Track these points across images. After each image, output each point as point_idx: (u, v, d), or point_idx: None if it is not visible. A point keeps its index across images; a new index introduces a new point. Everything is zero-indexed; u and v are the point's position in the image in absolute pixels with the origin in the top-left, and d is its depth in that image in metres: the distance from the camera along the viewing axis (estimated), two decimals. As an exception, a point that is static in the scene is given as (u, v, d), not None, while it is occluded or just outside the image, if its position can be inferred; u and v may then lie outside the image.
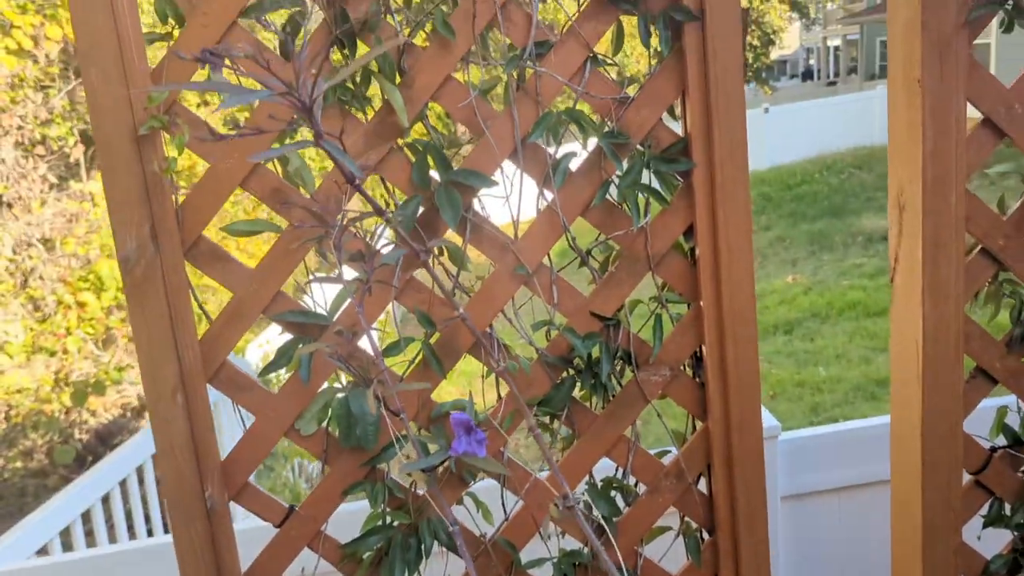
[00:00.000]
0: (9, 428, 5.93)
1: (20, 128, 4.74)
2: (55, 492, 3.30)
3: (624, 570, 1.42)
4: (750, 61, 34.54)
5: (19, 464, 6.09)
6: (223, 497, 1.34)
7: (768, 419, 2.13)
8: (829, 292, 8.57)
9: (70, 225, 5.99)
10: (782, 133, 14.81)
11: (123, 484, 3.66)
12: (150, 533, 3.77)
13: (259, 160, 1.13)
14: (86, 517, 3.36)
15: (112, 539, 3.39)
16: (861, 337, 7.45)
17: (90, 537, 3.31)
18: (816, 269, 9.68)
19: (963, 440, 1.39)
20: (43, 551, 2.88)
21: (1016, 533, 1.46)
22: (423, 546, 1.35)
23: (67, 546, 3.06)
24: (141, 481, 3.78)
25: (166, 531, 3.86)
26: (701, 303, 1.35)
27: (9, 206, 4.88)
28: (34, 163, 4.82)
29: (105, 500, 3.48)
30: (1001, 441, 1.46)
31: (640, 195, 1.32)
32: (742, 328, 1.33)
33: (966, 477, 1.45)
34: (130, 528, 3.66)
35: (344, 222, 1.02)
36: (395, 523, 1.37)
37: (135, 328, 1.26)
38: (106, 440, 6.30)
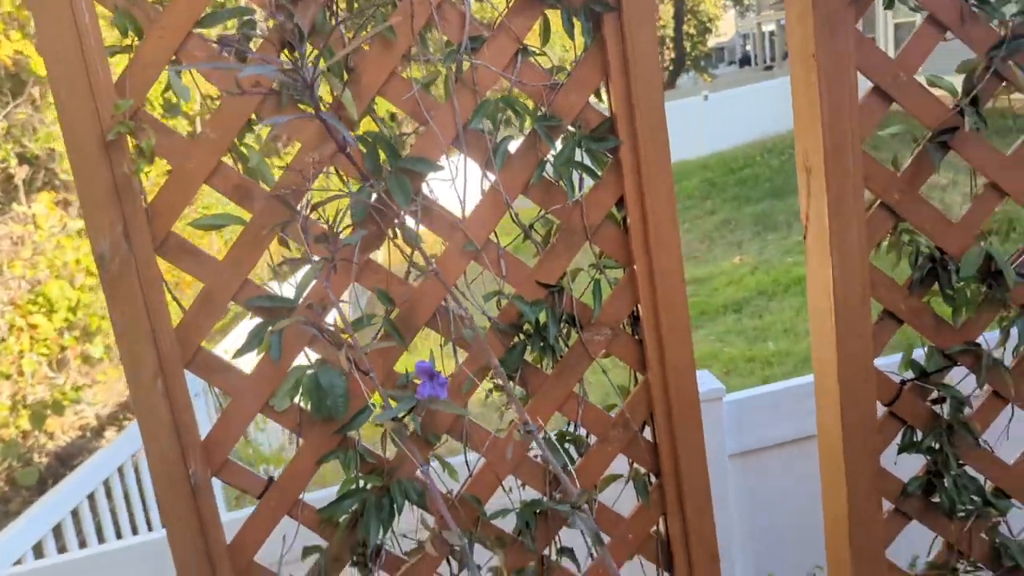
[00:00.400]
0: (-34, 456, 5.87)
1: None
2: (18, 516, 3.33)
3: (585, 517, 1.55)
4: (688, 50, 35.05)
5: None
6: (206, 473, 1.45)
7: (712, 382, 2.29)
8: (775, 270, 8.86)
9: (16, 248, 5.95)
10: (722, 119, 15.14)
11: (91, 497, 3.71)
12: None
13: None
14: (57, 532, 3.42)
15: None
16: (807, 311, 7.71)
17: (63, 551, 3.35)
18: (761, 249, 9.97)
19: (875, 376, 1.55)
20: (17, 563, 2.94)
21: (928, 457, 1.63)
22: (395, 505, 1.46)
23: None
24: (108, 495, 3.83)
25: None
26: (634, 267, 1.49)
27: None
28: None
29: (75, 513, 3.53)
30: (911, 376, 1.62)
31: (574, 172, 1.45)
32: (672, 288, 1.48)
33: (881, 410, 1.61)
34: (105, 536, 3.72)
35: (309, 207, 1.13)
36: (368, 486, 1.48)
37: (114, 320, 1.36)
38: (66, 462, 6.26)
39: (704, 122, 14.99)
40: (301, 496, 1.50)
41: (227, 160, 1.40)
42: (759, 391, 2.38)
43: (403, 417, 1.32)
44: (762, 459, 2.38)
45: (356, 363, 1.28)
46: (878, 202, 1.52)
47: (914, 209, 1.51)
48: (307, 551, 1.52)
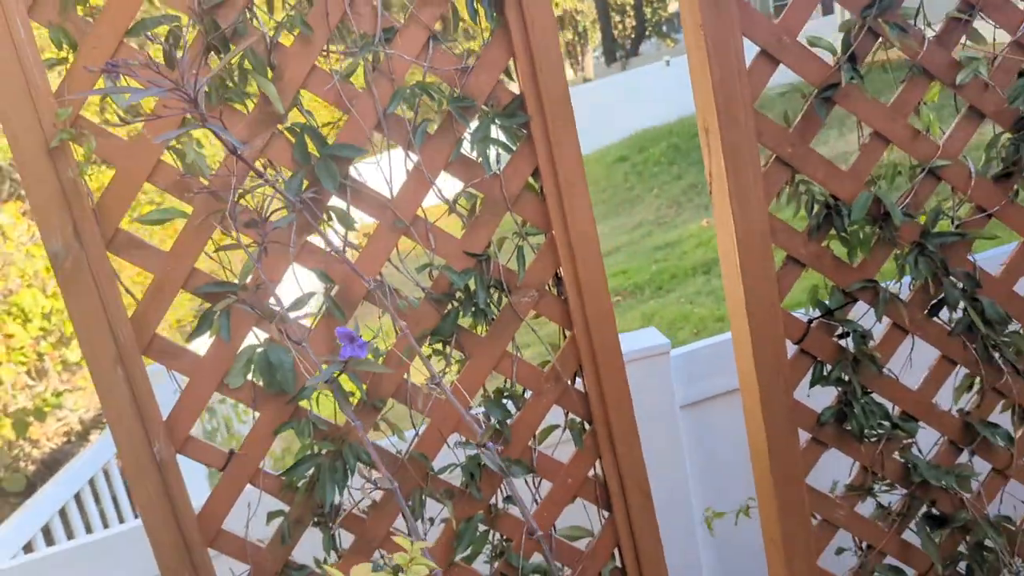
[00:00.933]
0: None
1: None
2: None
3: (524, 465, 1.69)
4: (648, 16, 35.05)
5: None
6: (170, 451, 1.56)
7: (658, 338, 2.42)
8: (739, 230, 9.02)
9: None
10: (685, 84, 15.21)
11: (78, 497, 3.82)
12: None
13: (160, 141, 1.35)
14: (47, 533, 3.53)
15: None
16: (770, 267, 7.88)
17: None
18: (726, 210, 10.12)
19: (782, 316, 1.69)
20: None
21: (838, 388, 1.77)
22: (347, 467, 1.59)
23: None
24: (95, 495, 3.95)
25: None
26: (553, 232, 1.61)
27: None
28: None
29: (62, 513, 3.64)
30: (817, 315, 1.76)
31: (491, 148, 1.57)
32: (587, 248, 1.61)
33: (793, 348, 1.75)
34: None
35: (235, 196, 1.25)
36: (323, 451, 1.61)
37: (72, 315, 1.47)
38: (53, 468, 6.34)
39: (667, 88, 15.09)
40: (261, 465, 1.62)
41: (167, 158, 1.51)
42: (703, 344, 2.51)
43: (335, 380, 1.44)
44: (711, 407, 2.51)
45: (292, 337, 1.39)
46: (773, 156, 1.65)
47: (807, 160, 1.65)
48: (271, 516, 1.64)
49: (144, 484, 1.55)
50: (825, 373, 1.75)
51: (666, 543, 2.14)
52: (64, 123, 1.40)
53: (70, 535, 3.64)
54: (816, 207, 1.69)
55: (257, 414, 1.60)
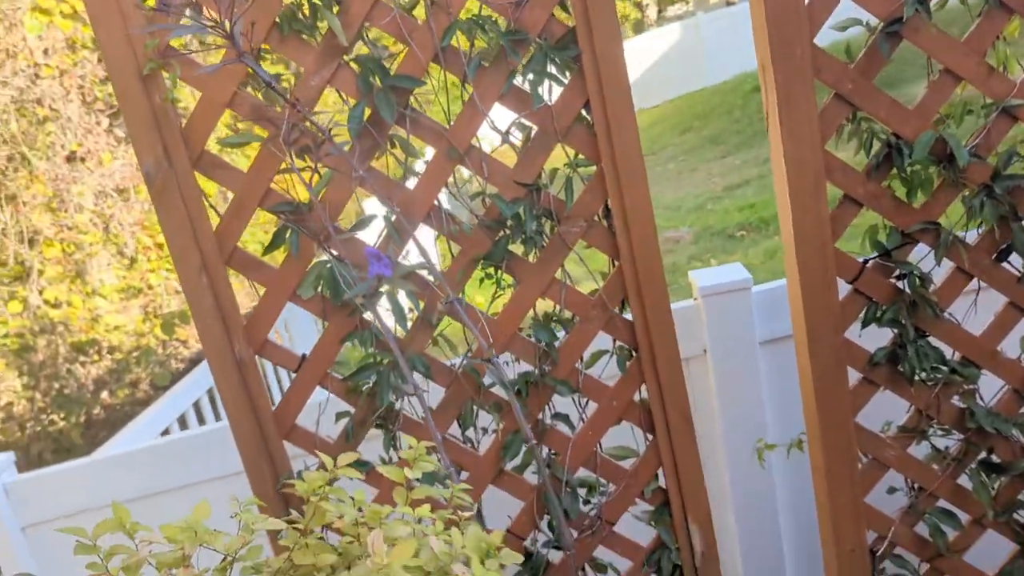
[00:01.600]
0: (115, 364, 6.63)
1: (81, 87, 5.21)
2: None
3: (569, 385, 1.79)
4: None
5: (127, 394, 6.81)
6: (249, 352, 1.75)
7: (741, 273, 2.42)
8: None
9: (139, 173, 6.52)
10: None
11: (211, 391, 4.23)
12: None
13: (203, 72, 1.49)
14: (181, 421, 3.95)
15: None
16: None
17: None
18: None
19: (834, 255, 1.68)
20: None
21: (893, 330, 1.76)
22: (403, 375, 1.73)
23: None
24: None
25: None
26: (602, 164, 1.66)
27: (82, 160, 5.40)
28: (96, 118, 5.30)
29: (196, 405, 4.06)
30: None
31: (543, 80, 1.63)
32: (635, 181, 1.65)
33: (847, 288, 1.75)
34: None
35: (288, 124, 1.37)
36: (384, 361, 1.76)
37: (163, 227, 1.66)
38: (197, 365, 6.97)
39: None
40: (329, 370, 1.79)
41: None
42: (781, 283, 2.50)
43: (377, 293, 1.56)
44: (791, 345, 2.51)
45: (344, 258, 1.53)
46: (833, 93, 1.62)
47: (868, 97, 1.61)
48: (339, 416, 1.82)
49: (227, 380, 1.75)
50: (879, 314, 1.74)
51: (740, 471, 2.21)
52: (152, 52, 1.55)
53: (202, 424, 4.05)
54: (877, 145, 1.65)
55: (325, 323, 1.76)
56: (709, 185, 9.58)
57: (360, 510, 1.13)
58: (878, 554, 1.89)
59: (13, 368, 5.61)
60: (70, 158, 5.30)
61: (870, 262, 1.73)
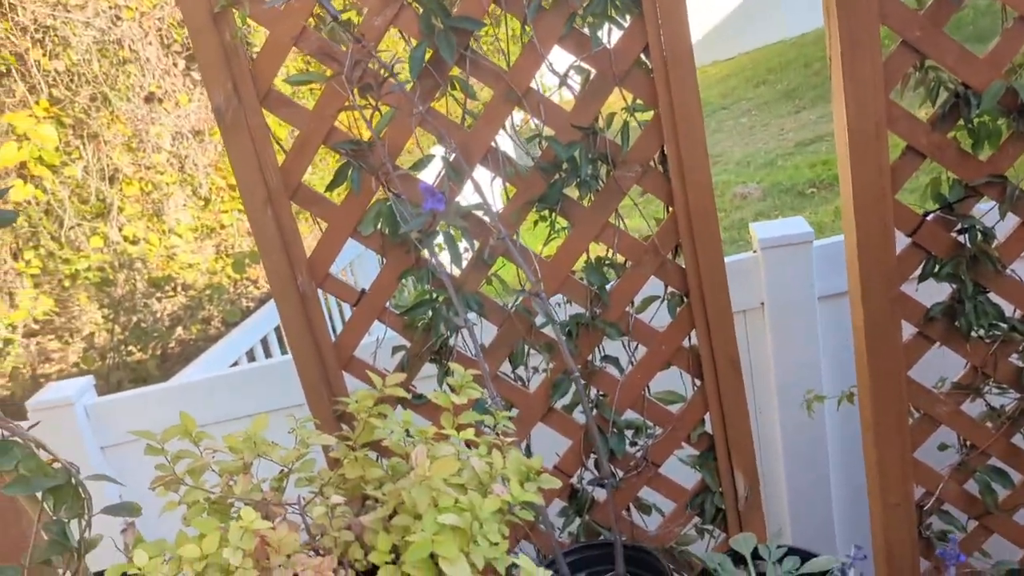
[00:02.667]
0: (189, 300, 6.89)
1: (159, 29, 5.35)
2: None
3: (618, 328, 1.81)
4: None
5: (199, 330, 7.09)
6: (312, 285, 1.82)
7: (803, 227, 2.40)
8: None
9: (213, 116, 6.69)
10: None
11: (278, 328, 4.39)
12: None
13: (271, 5, 1.54)
14: (249, 355, 4.12)
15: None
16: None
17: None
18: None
19: (893, 206, 1.66)
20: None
21: (952, 285, 1.73)
22: (458, 312, 1.78)
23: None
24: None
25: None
26: (659, 110, 1.66)
27: (160, 101, 5.57)
28: (174, 60, 5.44)
29: (264, 342, 4.21)
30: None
31: (604, 23, 1.63)
32: (691, 128, 1.65)
33: (905, 241, 1.73)
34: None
35: (351, 62, 1.41)
36: (439, 298, 1.81)
37: (232, 162, 1.73)
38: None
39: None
40: (387, 305, 1.85)
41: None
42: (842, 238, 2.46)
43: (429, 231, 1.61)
44: (847, 302, 2.49)
45: (402, 196, 1.57)
46: (900, 40, 1.59)
47: (936, 45, 1.57)
48: (395, 349, 1.89)
49: (290, 311, 1.83)
50: (937, 269, 1.72)
51: (792, 423, 2.21)
52: (225, -8, 1.61)
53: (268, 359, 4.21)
54: (943, 96, 1.61)
55: (384, 260, 1.82)
56: (781, 141, 9.35)
57: (408, 432, 1.19)
58: (925, 509, 1.89)
59: (95, 301, 5.88)
60: (148, 99, 5.47)
61: (931, 215, 1.70)
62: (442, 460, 1.00)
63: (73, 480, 1.13)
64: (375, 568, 1.01)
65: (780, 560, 1.35)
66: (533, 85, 1.69)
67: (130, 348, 5.89)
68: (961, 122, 1.63)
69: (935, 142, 1.64)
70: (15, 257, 5.27)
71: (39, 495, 1.11)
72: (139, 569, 0.99)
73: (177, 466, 1.13)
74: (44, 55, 4.90)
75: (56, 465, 1.13)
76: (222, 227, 6.36)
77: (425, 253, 1.79)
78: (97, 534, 1.17)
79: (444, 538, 0.94)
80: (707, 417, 1.89)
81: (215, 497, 1.15)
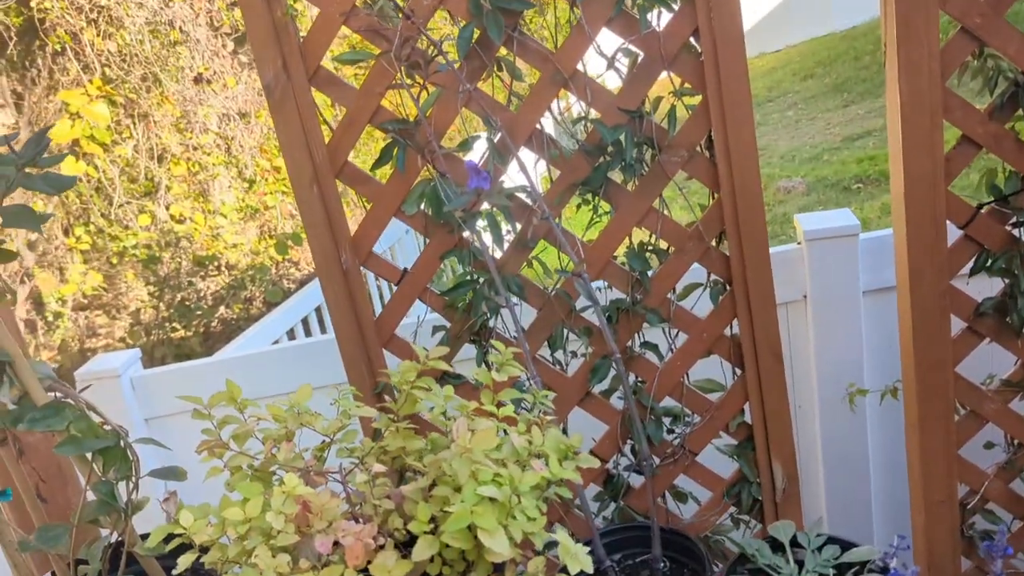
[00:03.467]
0: (232, 280, 7.00)
1: (209, 11, 5.42)
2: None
3: (659, 314, 1.80)
4: None
5: (241, 309, 7.20)
6: (355, 263, 1.84)
7: (849, 219, 2.36)
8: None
9: (260, 99, 6.77)
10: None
11: (319, 309, 4.44)
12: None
13: None
14: (290, 334, 4.17)
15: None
16: None
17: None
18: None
19: (945, 197, 1.63)
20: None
21: (1005, 280, 1.70)
22: (499, 293, 1.79)
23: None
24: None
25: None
26: (707, 94, 1.65)
27: (208, 83, 5.65)
28: (223, 42, 5.52)
29: (304, 322, 4.27)
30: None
31: (654, 6, 1.61)
32: (740, 114, 1.63)
33: (957, 234, 1.69)
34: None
35: (400, 40, 1.41)
36: (480, 279, 1.81)
37: (280, 138, 1.75)
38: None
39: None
40: (428, 285, 1.86)
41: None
42: (891, 231, 2.42)
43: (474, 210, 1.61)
44: (894, 297, 2.45)
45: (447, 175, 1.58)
46: (958, 27, 1.55)
47: (997, 32, 1.53)
48: (435, 329, 1.90)
49: (333, 287, 1.85)
50: (989, 262, 1.68)
51: (832, 417, 2.19)
52: (277, -30, 1.62)
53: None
54: (1002, 85, 1.57)
55: (427, 241, 1.83)
56: (828, 135, 9.20)
57: (445, 413, 1.20)
58: (968, 507, 1.85)
59: (141, 278, 6.00)
60: (197, 80, 5.55)
61: (985, 207, 1.66)
62: (483, 433, 1.01)
63: (122, 443, 1.15)
64: (414, 538, 1.02)
65: (819, 549, 1.34)
66: (579, 68, 1.68)
67: (174, 325, 6.00)
68: (1020, 112, 1.59)
69: (992, 132, 1.60)
70: (66, 233, 5.40)
71: (89, 456, 1.14)
72: (184, 530, 1.02)
73: (222, 432, 1.15)
74: (98, 35, 5.00)
75: (106, 428, 1.16)
76: (266, 208, 6.44)
77: (467, 234, 1.79)
78: (144, 496, 1.19)
79: (483, 510, 0.95)
80: (746, 407, 1.88)
81: (258, 464, 1.17)
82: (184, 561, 1.03)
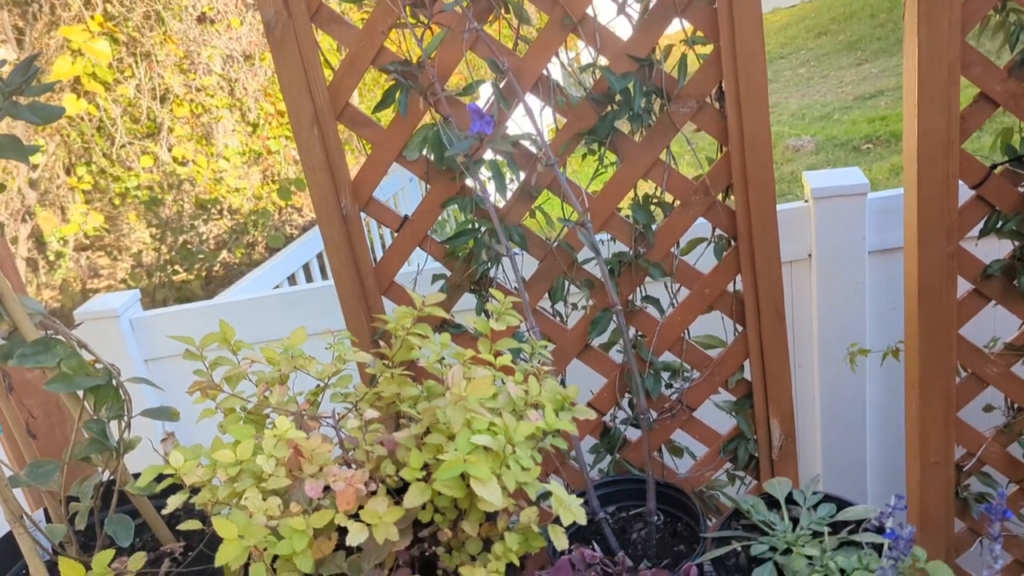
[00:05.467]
0: (235, 224, 6.97)
1: (213, -52, 5.31)
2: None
3: (662, 269, 1.78)
4: None
5: (243, 254, 7.18)
6: (355, 208, 1.81)
7: (859, 178, 2.32)
8: None
9: (264, 41, 6.66)
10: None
11: (320, 255, 4.42)
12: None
13: None
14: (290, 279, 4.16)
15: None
16: None
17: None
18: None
19: (959, 155, 1.59)
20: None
21: (1014, 242, 1.67)
22: (500, 242, 1.76)
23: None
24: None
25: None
26: (720, 44, 1.60)
27: (212, 22, 5.55)
28: (227, -20, 5.41)
29: (306, 267, 4.25)
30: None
31: (668, -51, 1.56)
32: (753, 66, 1.58)
33: (969, 194, 1.66)
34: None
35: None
36: (482, 228, 1.79)
37: (280, 77, 1.71)
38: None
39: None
40: (429, 232, 1.84)
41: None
42: (900, 191, 2.38)
43: (474, 157, 1.58)
44: (899, 258, 2.42)
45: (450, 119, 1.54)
46: (982, -22, 1.50)
47: (1021, -14, 1.48)
48: (435, 277, 1.88)
49: (332, 232, 1.82)
50: (1000, 224, 1.65)
51: (832, 377, 2.18)
52: (279, -99, 1.57)
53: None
54: (1019, 40, 1.53)
55: (428, 187, 1.80)
56: (839, 93, 9.07)
57: (442, 360, 1.18)
58: (964, 469, 1.85)
59: (143, 220, 5.97)
60: (201, 19, 5.45)
61: (998, 167, 1.63)
62: (478, 381, 1.00)
63: (114, 381, 1.14)
64: (406, 485, 1.01)
65: (815, 507, 1.33)
66: (589, 12, 1.63)
67: (176, 268, 5.99)
68: (1040, 70, 1.54)
69: (1010, 90, 1.56)
70: (67, 172, 5.35)
71: (80, 394, 1.13)
72: (175, 470, 1.01)
73: (215, 373, 1.14)
74: (99, -31, 4.90)
75: (98, 367, 1.15)
76: (269, 153, 6.38)
77: (469, 181, 1.76)
78: (136, 436, 1.18)
79: (476, 459, 0.94)
80: (746, 364, 1.86)
81: (251, 407, 1.16)
82: (174, 501, 1.02)
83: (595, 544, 1.47)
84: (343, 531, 0.98)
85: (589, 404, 1.90)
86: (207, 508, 1.00)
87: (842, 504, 1.33)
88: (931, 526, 1.85)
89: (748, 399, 1.88)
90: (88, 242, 5.74)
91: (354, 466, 1.06)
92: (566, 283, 1.83)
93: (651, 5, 1.63)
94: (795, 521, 1.33)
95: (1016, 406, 1.82)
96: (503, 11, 1.66)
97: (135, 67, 5.36)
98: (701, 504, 1.92)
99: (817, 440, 2.31)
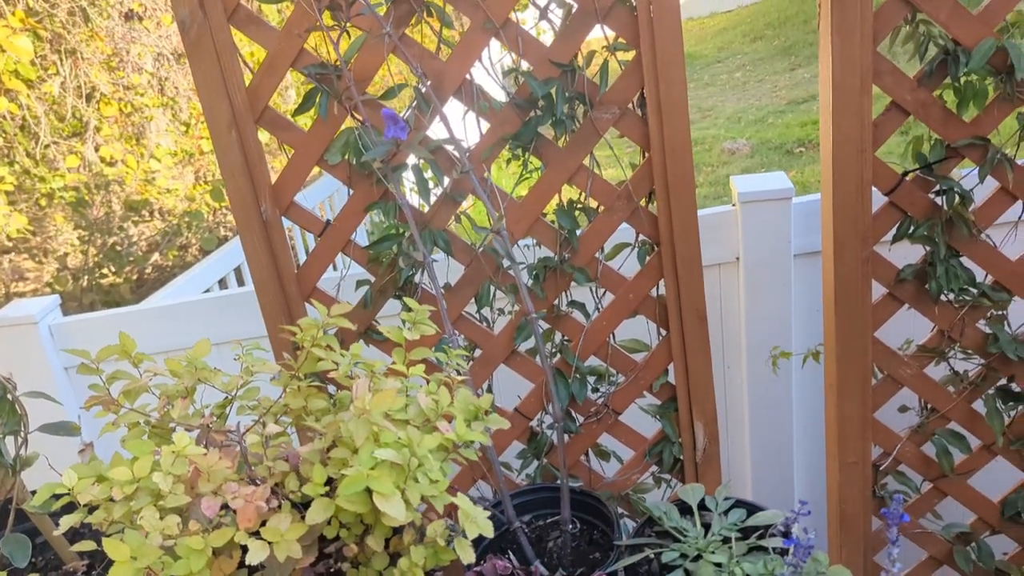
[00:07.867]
0: (166, 226, 6.80)
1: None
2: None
3: (586, 274, 1.78)
4: None
5: (176, 256, 7.01)
6: (275, 212, 1.78)
7: (784, 182, 2.36)
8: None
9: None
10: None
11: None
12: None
13: None
14: (221, 282, 4.07)
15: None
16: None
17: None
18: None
19: (871, 162, 1.63)
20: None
21: (925, 248, 1.71)
22: (423, 249, 1.74)
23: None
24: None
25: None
26: (640, 50, 1.61)
27: (140, 20, 5.41)
28: (156, -24, 5.27)
29: (237, 271, 4.16)
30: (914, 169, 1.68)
31: (588, -45, 1.56)
32: (673, 72, 1.59)
33: (882, 200, 1.70)
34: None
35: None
36: (405, 233, 1.77)
37: (196, 79, 1.66)
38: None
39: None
40: (352, 237, 1.81)
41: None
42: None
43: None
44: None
45: (370, 125, 1.52)
46: (892, -10, 1.53)
47: (929, -2, 1.52)
48: (359, 283, 1.85)
49: (251, 238, 1.78)
50: (912, 230, 1.69)
51: (759, 379, 2.20)
52: (192, -102, 1.52)
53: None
54: (932, 51, 1.57)
55: (351, 190, 1.77)
56: (774, 98, 9.26)
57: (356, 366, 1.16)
58: (881, 468, 1.89)
59: (71, 221, 5.78)
60: (128, 16, 5.31)
61: (910, 174, 1.67)
62: (383, 394, 0.98)
63: (9, 396, 1.09)
64: (311, 501, 0.99)
65: (726, 512, 1.35)
66: (512, 17, 1.63)
67: (104, 271, 5.82)
68: (948, 80, 1.59)
69: (920, 99, 1.60)
70: (-13, 172, 5.16)
71: (-29, 410, 1.08)
72: (69, 489, 0.97)
73: (112, 387, 1.10)
74: (20, -37, 4.73)
75: (-9, 380, 1.10)
76: (202, 153, 6.24)
77: (391, 186, 1.74)
78: (33, 452, 1.14)
79: (380, 473, 0.92)
80: (671, 368, 1.88)
81: (155, 421, 1.12)
82: (67, 521, 0.98)
83: (511, 554, 1.46)
84: (248, 549, 0.95)
85: (516, 409, 1.90)
86: (102, 527, 0.96)
87: (753, 509, 1.34)
88: (849, 525, 1.89)
89: (673, 403, 1.89)
90: (11, 245, 5.54)
91: (259, 481, 1.03)
92: (492, 288, 1.82)
93: (573, 11, 1.63)
94: (707, 527, 1.35)
95: (929, 406, 1.87)
96: (425, 14, 1.64)
97: (60, 64, 5.19)
98: (627, 508, 1.93)
99: (747, 441, 2.34)
